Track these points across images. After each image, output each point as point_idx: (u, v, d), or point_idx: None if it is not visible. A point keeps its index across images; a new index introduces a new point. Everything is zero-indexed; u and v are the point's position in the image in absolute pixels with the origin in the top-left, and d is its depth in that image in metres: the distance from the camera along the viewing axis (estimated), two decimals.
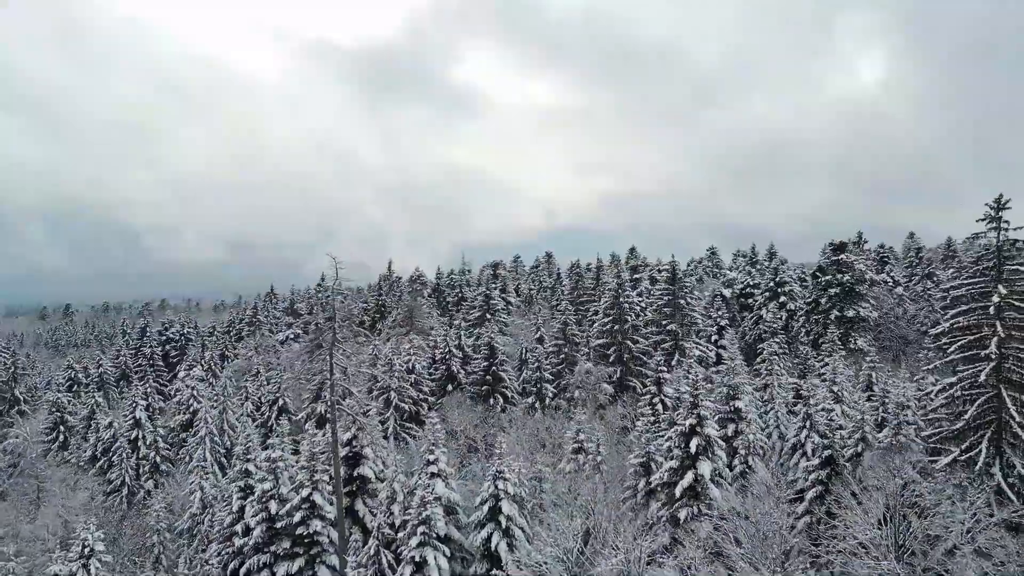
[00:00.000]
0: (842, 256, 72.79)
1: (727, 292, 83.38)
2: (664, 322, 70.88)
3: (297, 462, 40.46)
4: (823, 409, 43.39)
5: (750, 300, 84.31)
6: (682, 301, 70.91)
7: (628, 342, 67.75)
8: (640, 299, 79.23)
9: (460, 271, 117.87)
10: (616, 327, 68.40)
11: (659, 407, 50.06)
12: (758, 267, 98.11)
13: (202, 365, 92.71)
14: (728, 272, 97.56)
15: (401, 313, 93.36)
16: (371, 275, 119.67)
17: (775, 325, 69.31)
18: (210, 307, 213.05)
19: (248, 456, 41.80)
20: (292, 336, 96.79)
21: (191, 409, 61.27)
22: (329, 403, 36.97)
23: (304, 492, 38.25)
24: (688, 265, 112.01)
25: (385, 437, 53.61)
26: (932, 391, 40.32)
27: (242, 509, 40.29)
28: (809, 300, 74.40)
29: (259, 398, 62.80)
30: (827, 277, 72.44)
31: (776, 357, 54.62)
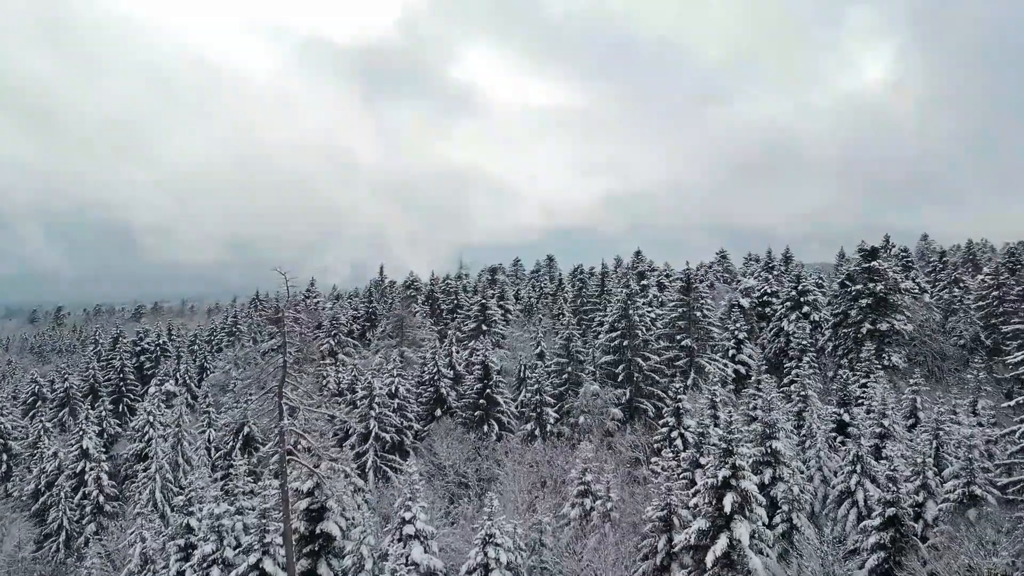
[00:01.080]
0: (874, 263, 65.78)
1: (745, 302, 76.28)
2: (678, 336, 63.92)
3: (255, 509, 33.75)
4: (882, 454, 36.43)
5: (767, 309, 77.48)
6: (697, 313, 63.98)
7: (638, 359, 60.87)
8: (650, 310, 72.39)
9: (457, 276, 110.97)
10: (625, 343, 61.52)
11: (678, 443, 43.11)
12: (774, 273, 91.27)
13: (176, 379, 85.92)
14: (742, 278, 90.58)
15: (391, 323, 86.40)
16: (370, 276, 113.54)
17: (803, 341, 62.22)
18: (205, 310, 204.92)
19: (190, 508, 35.07)
20: (274, 348, 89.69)
21: (146, 437, 54.23)
22: (279, 455, 30.18)
23: (252, 557, 31.46)
24: (697, 269, 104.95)
25: (362, 475, 46.83)
26: (1016, 431, 33.54)
27: (181, 574, 33.59)
28: (837, 311, 67.37)
29: (222, 424, 55.91)
30: (858, 286, 65.45)
31: (809, 381, 47.69)
